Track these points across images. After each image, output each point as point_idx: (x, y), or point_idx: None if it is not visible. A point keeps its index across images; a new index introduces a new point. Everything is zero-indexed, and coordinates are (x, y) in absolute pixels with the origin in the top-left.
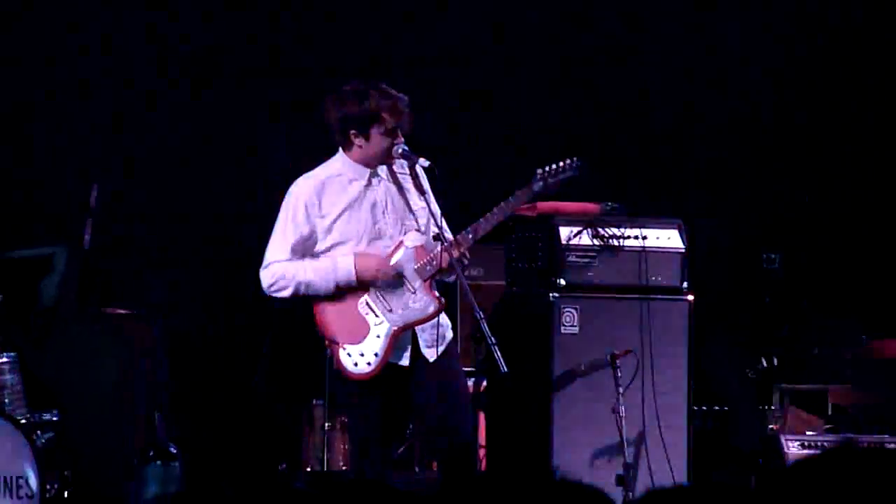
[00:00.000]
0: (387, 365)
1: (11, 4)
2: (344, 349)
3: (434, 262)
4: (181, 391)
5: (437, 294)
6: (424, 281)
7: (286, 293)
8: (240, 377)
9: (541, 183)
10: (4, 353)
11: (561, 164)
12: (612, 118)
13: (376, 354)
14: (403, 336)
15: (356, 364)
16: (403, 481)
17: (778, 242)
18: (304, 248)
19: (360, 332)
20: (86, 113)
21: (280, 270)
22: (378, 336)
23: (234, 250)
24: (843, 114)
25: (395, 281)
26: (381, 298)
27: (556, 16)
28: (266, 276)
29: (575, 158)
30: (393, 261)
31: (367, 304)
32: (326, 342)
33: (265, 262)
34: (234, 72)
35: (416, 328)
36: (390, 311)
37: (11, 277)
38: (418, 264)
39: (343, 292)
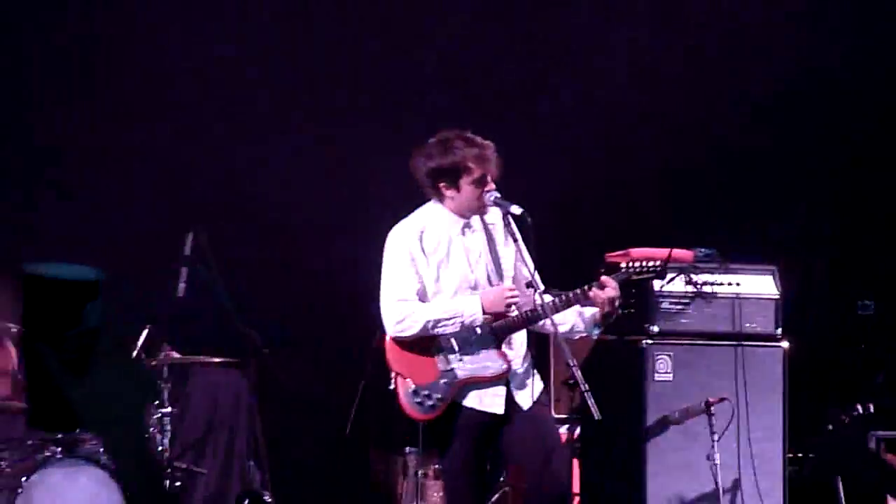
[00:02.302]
0: (480, 413)
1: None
2: (409, 385)
3: (511, 323)
4: (276, 440)
5: (507, 355)
6: (501, 338)
7: (413, 331)
8: (334, 425)
9: (624, 277)
10: None
11: (646, 265)
12: (708, 162)
13: (441, 399)
14: (496, 384)
15: (420, 403)
16: None
17: (872, 288)
18: (419, 291)
19: (428, 373)
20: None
21: (409, 309)
22: (445, 382)
23: (329, 295)
24: None
25: (472, 335)
26: (455, 345)
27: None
28: (394, 318)
29: (660, 263)
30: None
31: (441, 347)
32: (393, 374)
33: (390, 300)
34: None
35: (509, 376)
36: (461, 360)
37: (54, 297)
38: (497, 322)
39: None
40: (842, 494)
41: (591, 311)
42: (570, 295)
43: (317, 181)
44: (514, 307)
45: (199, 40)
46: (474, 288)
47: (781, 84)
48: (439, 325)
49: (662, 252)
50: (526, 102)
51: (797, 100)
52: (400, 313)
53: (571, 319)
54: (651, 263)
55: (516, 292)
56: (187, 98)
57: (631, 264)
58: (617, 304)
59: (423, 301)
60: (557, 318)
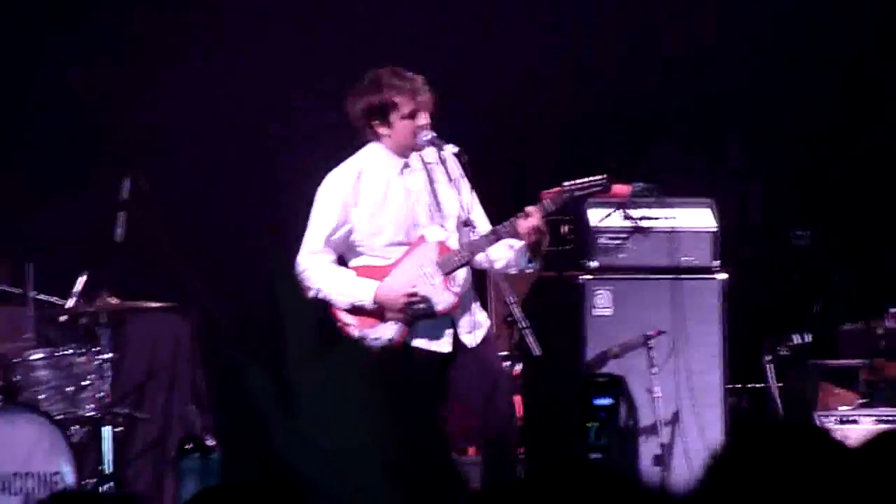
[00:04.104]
0: (427, 352)
1: None
2: (356, 333)
3: (456, 258)
4: (217, 383)
5: (454, 290)
6: (444, 275)
7: (309, 293)
8: (275, 367)
9: (567, 195)
10: (39, 349)
11: (588, 179)
12: (638, 97)
13: (390, 339)
14: (442, 322)
15: (368, 346)
16: None
17: (807, 218)
18: (341, 238)
19: (374, 319)
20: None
21: (310, 267)
22: (391, 323)
23: (272, 239)
24: (874, 90)
25: (415, 274)
26: None
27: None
28: (299, 266)
29: (603, 175)
30: (415, 255)
31: None
32: (339, 325)
33: (301, 252)
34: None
35: (454, 315)
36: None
37: None
38: (440, 259)
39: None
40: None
41: (521, 244)
42: (499, 228)
43: (261, 116)
44: (412, 311)
45: None
46: (413, 227)
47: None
48: (329, 296)
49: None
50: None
51: (730, 34)
52: (303, 269)
53: (505, 254)
54: (591, 179)
55: (418, 299)
56: (126, 42)
57: (572, 183)
58: (542, 233)
59: (354, 247)
60: (493, 253)
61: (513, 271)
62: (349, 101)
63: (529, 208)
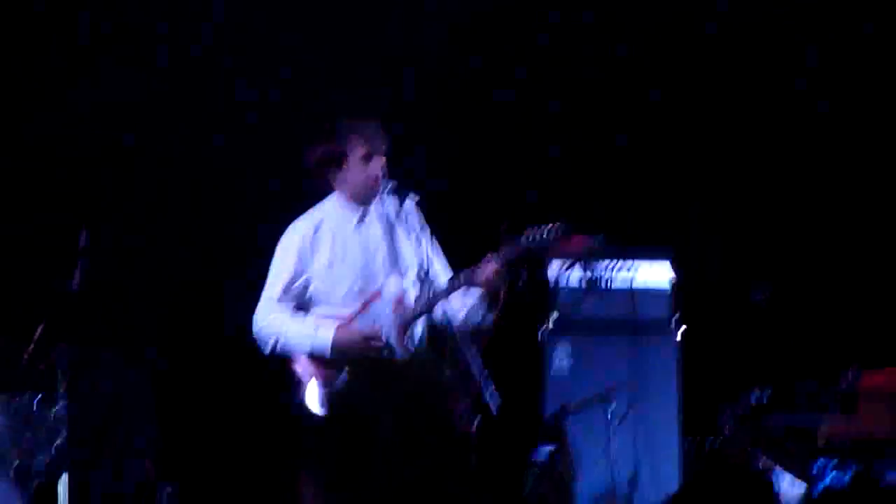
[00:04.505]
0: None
1: None
2: (315, 387)
3: (412, 311)
4: (170, 430)
5: (408, 344)
6: (400, 328)
7: (267, 347)
8: (227, 415)
9: (526, 244)
10: None
11: (546, 228)
12: (598, 150)
13: (343, 380)
14: None
15: (320, 404)
16: None
17: (765, 275)
18: (299, 290)
19: (332, 370)
20: (77, 155)
21: (268, 317)
22: (346, 376)
23: (226, 290)
24: (828, 150)
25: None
26: None
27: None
28: (257, 322)
29: (561, 223)
30: (371, 310)
31: None
32: (295, 378)
33: (260, 303)
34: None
35: None
36: None
37: None
38: (395, 312)
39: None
40: None
41: (479, 293)
42: (457, 277)
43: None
44: (374, 350)
45: None
46: (372, 278)
47: (665, 72)
48: (287, 344)
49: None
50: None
51: (683, 87)
52: (259, 322)
53: (464, 304)
54: (551, 227)
55: (380, 343)
56: (82, 91)
57: (531, 231)
58: (499, 284)
59: (313, 298)
60: (453, 304)
61: (472, 322)
62: (306, 153)
63: (489, 256)
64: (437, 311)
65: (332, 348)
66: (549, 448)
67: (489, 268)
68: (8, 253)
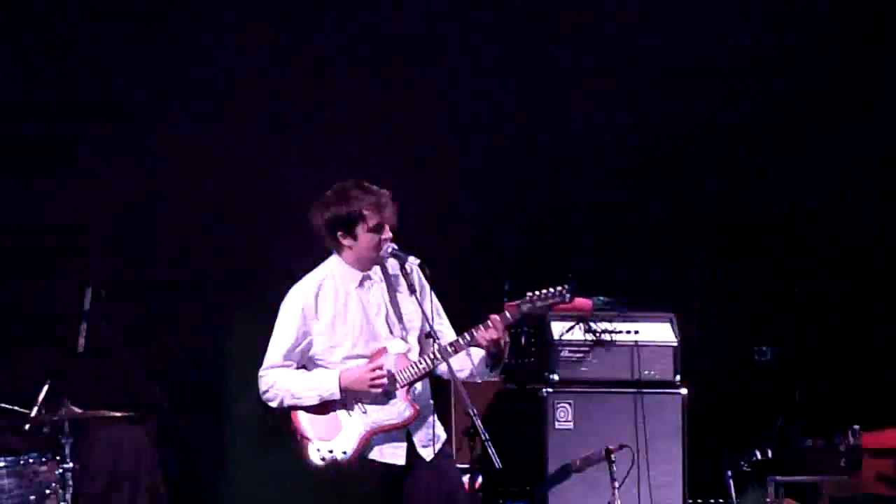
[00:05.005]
0: (382, 465)
1: None
2: (314, 443)
3: (415, 370)
4: (179, 493)
5: (412, 401)
6: (402, 387)
7: (274, 404)
8: (236, 472)
9: (529, 305)
10: (2, 458)
11: (552, 290)
12: (605, 210)
13: (344, 452)
14: (398, 435)
15: (323, 459)
16: None
17: (769, 335)
18: (301, 352)
19: (332, 430)
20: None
21: (272, 379)
22: (349, 435)
23: (232, 349)
24: (828, 208)
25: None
26: (357, 399)
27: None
28: (262, 384)
29: (565, 286)
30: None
31: (343, 403)
32: (298, 436)
33: (262, 367)
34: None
35: (410, 428)
36: (364, 412)
37: None
38: (398, 371)
39: None
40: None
41: (482, 353)
42: (460, 339)
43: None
44: (379, 388)
45: None
46: (374, 340)
47: (673, 128)
48: (298, 398)
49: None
50: (430, 144)
51: (693, 142)
52: (266, 384)
53: (467, 364)
54: (554, 289)
55: (382, 373)
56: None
57: (535, 293)
58: (503, 344)
59: (314, 359)
60: (455, 363)
61: (477, 380)
62: (315, 212)
63: (492, 317)
64: (442, 368)
65: (340, 389)
66: None
67: (491, 332)
68: (12, 315)
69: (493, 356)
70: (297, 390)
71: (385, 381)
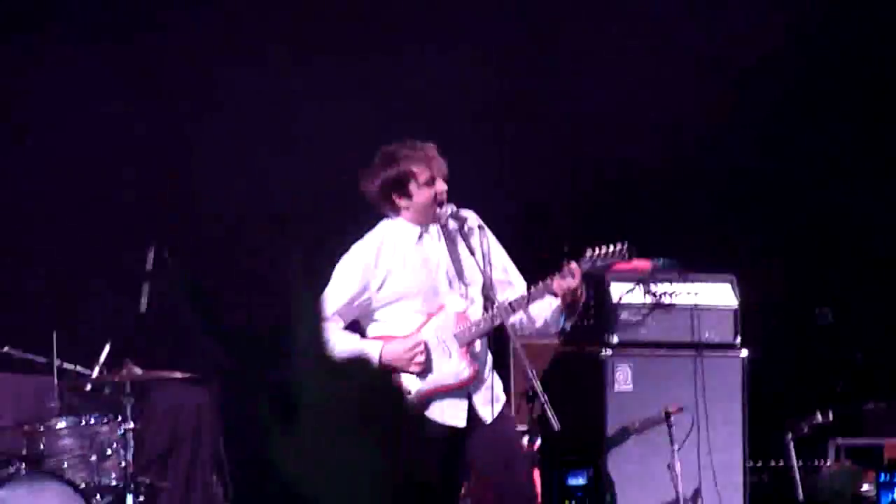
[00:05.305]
0: (443, 426)
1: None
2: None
3: (474, 328)
4: (239, 455)
5: (472, 361)
6: (462, 346)
7: (333, 354)
8: (293, 436)
9: (589, 264)
10: (64, 418)
11: (612, 248)
12: (667, 171)
13: (409, 392)
14: (458, 395)
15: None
16: None
17: (830, 296)
18: (356, 308)
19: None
20: (141, 174)
21: (329, 331)
22: (408, 393)
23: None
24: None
25: (432, 344)
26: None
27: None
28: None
29: (625, 243)
30: (433, 326)
31: None
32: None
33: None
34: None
35: (470, 389)
36: (423, 372)
37: None
38: (458, 329)
39: None
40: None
41: (556, 304)
42: (532, 290)
43: (281, 192)
44: (416, 365)
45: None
46: (433, 295)
47: (738, 95)
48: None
49: (622, 262)
50: (494, 111)
51: (756, 110)
52: (325, 332)
53: (544, 311)
54: (614, 247)
55: (421, 349)
56: (150, 112)
57: (595, 251)
58: (580, 293)
59: (373, 316)
60: (532, 311)
61: (550, 331)
62: (364, 180)
63: (570, 265)
64: (514, 319)
65: (380, 362)
66: (583, 479)
67: (569, 278)
68: (75, 275)
69: (569, 306)
70: (340, 351)
71: (423, 360)
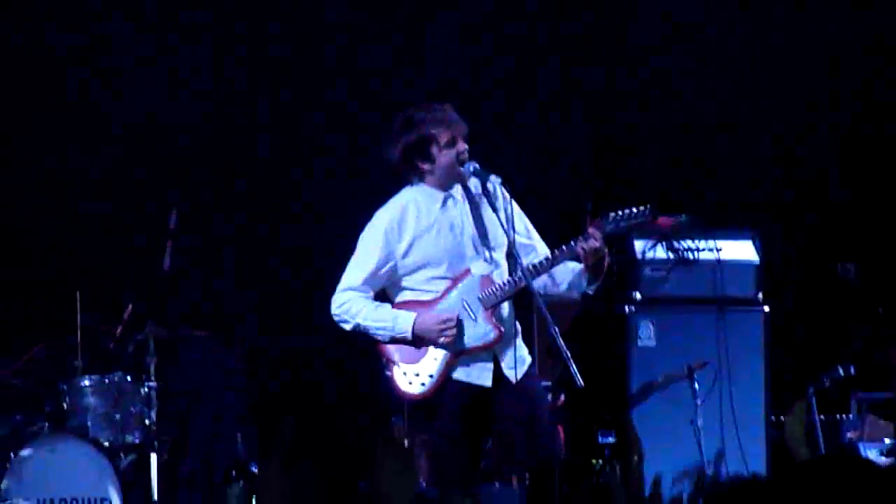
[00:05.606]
0: (470, 386)
1: None
2: (399, 367)
3: (499, 292)
4: (262, 411)
5: (497, 324)
6: (487, 309)
7: (347, 327)
8: (318, 396)
9: (612, 226)
10: (87, 377)
11: (633, 209)
12: (690, 129)
13: (431, 376)
14: (484, 356)
15: (410, 383)
16: (483, 494)
17: (853, 251)
18: (383, 276)
19: (417, 353)
20: (163, 136)
21: (348, 303)
22: (435, 359)
23: (314, 272)
24: None
25: (458, 307)
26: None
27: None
28: (335, 304)
29: (648, 206)
30: (459, 290)
31: None
32: (384, 360)
33: (339, 288)
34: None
35: (496, 350)
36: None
37: None
38: (483, 293)
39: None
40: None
41: (579, 267)
42: (556, 252)
43: (305, 155)
44: (447, 338)
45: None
46: (460, 259)
47: (760, 52)
48: (369, 331)
49: None
50: (517, 69)
51: (777, 67)
52: (339, 305)
53: (567, 276)
54: (637, 208)
55: (452, 324)
56: (174, 71)
57: (618, 212)
58: (603, 255)
59: (399, 282)
60: (557, 275)
61: (574, 295)
62: (386, 146)
63: (591, 230)
64: (538, 282)
65: (413, 333)
66: (612, 437)
67: (591, 242)
68: (99, 235)
69: (593, 268)
70: (370, 324)
71: (454, 332)
